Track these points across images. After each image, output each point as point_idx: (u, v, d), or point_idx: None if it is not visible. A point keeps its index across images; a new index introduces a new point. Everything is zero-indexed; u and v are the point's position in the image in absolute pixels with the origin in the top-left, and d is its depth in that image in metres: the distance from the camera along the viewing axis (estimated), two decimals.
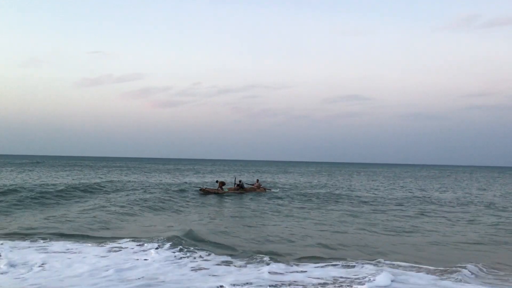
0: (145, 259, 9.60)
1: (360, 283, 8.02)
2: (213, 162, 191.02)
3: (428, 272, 9.09)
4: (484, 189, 39.59)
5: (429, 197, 28.48)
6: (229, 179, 32.63)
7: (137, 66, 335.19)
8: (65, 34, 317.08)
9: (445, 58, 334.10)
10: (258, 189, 29.18)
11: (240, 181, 29.62)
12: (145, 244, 11.05)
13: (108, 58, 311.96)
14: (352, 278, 8.47)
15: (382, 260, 9.99)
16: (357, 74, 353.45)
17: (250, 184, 30.21)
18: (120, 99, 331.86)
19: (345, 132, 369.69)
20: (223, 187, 28.70)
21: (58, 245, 10.86)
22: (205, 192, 27.81)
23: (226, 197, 25.90)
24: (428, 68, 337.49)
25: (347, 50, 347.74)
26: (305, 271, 8.92)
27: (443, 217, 18.92)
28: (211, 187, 29.52)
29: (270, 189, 30.13)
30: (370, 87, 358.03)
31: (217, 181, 29.90)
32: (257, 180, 31.36)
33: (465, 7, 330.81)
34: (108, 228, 14.17)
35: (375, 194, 30.30)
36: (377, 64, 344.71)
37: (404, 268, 9.39)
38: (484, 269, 9.46)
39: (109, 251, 10.40)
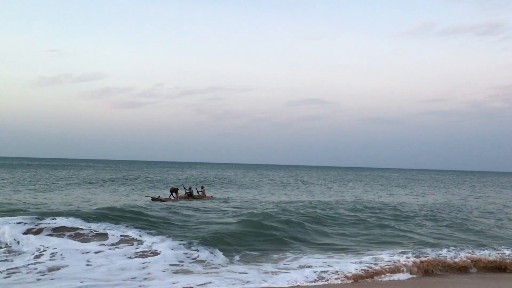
0: None
1: None
2: (177, 164, 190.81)
3: None
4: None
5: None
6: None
7: (97, 66, 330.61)
8: (21, 32, 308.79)
9: (403, 64, 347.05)
10: (205, 196, 30.70)
11: (189, 188, 30.92)
12: None
13: (67, 57, 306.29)
14: None
15: None
16: (319, 78, 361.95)
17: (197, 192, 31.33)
18: (79, 99, 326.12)
19: (306, 136, 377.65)
20: (176, 194, 29.86)
21: None
22: (156, 200, 28.35)
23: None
24: (387, 74, 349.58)
25: (309, 55, 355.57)
26: None
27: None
28: (163, 196, 30.47)
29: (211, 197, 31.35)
30: (331, 91, 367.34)
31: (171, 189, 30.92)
32: (202, 187, 32.49)
33: (423, 14, 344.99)
34: None
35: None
36: (338, 68, 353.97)
37: None
38: None
39: None
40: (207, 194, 31.67)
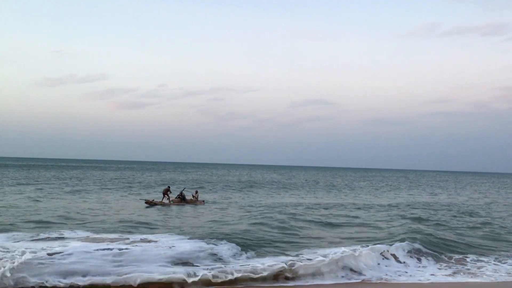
0: None
1: None
2: (180, 165, 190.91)
3: None
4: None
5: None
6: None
7: (101, 66, 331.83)
8: (25, 32, 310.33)
9: (406, 64, 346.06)
10: (197, 201, 30.14)
11: (182, 193, 30.44)
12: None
13: (71, 58, 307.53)
14: None
15: None
16: (322, 79, 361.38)
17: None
18: (83, 99, 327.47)
19: (310, 136, 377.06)
20: (168, 194, 29.32)
21: None
22: (151, 204, 28.10)
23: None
24: (390, 74, 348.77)
25: (311, 56, 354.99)
26: None
27: None
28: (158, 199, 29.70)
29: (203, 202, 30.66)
30: (335, 92, 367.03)
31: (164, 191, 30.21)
32: (196, 192, 32.11)
33: (427, 15, 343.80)
34: None
35: None
36: (341, 69, 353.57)
37: None
38: None
39: None
40: (199, 199, 30.97)
